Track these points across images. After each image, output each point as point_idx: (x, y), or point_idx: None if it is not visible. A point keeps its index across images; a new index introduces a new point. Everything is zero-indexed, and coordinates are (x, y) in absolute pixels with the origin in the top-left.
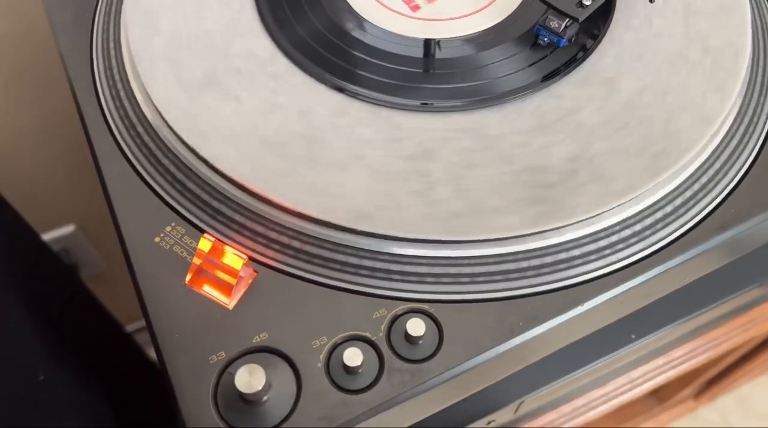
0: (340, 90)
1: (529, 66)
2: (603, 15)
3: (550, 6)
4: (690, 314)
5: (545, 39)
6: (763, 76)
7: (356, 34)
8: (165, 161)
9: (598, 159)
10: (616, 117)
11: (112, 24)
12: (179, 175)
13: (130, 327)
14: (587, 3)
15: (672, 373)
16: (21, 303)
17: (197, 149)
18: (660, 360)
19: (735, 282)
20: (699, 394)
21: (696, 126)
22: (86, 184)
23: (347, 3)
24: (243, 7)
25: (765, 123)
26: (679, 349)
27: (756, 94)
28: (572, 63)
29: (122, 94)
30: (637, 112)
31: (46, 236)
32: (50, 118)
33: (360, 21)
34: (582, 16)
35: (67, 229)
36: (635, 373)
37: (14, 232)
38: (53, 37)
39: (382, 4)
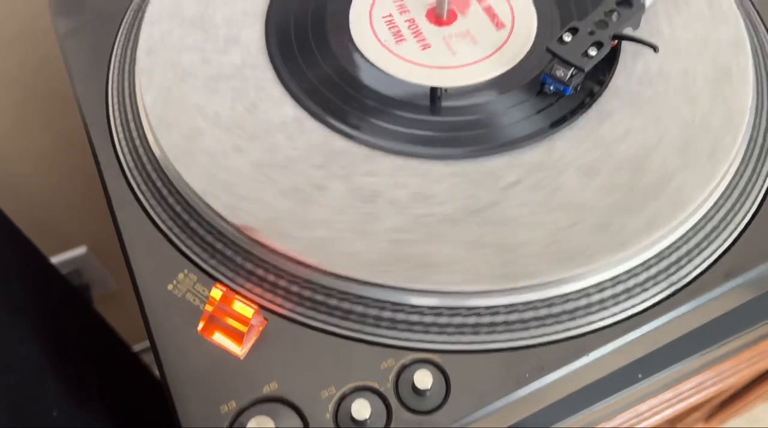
0: (352, 138)
1: (536, 113)
2: (608, 60)
3: (555, 56)
4: (698, 352)
5: (551, 87)
6: (767, 123)
7: (367, 81)
8: (178, 208)
9: (600, 209)
10: (619, 167)
11: (127, 69)
12: (192, 223)
13: (139, 347)
14: (592, 53)
15: (680, 406)
16: (29, 325)
17: (209, 200)
18: (668, 394)
19: (745, 319)
20: (710, 417)
21: (700, 174)
22: (98, 206)
23: (358, 49)
24: (252, 53)
25: None
26: (687, 383)
27: (760, 140)
28: (578, 111)
29: (137, 140)
30: (639, 162)
31: (59, 257)
32: (62, 141)
33: (371, 69)
34: (587, 66)
35: (80, 251)
36: (642, 407)
37: (23, 255)
38: (69, 79)
39: (392, 52)
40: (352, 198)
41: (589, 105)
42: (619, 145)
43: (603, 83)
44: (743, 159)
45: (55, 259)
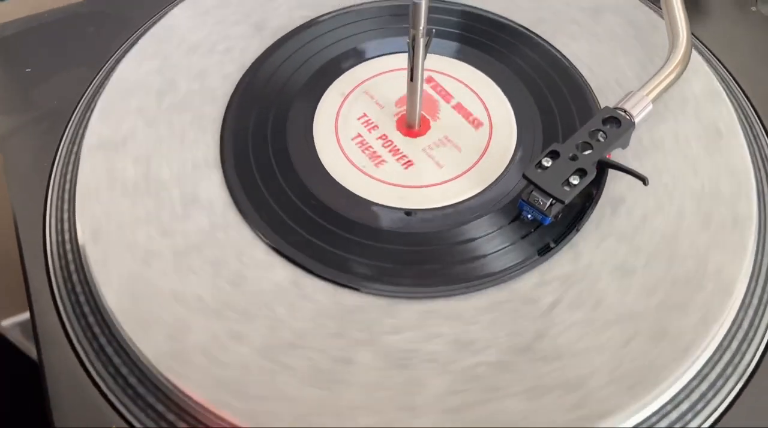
0: (298, 265)
1: (514, 243)
2: (594, 183)
3: (533, 184)
4: None
5: (528, 216)
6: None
7: (358, 218)
8: (108, 350)
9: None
10: (602, 328)
11: (67, 188)
12: (123, 370)
13: None
14: (574, 182)
15: None
16: None
17: (143, 349)
18: None
19: None
20: None
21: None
22: None
23: (323, 166)
24: (219, 211)
25: (764, 335)
26: None
27: (755, 301)
28: (560, 241)
29: (73, 272)
30: (622, 322)
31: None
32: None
33: (358, 202)
34: (568, 198)
35: None
36: None
37: None
38: (7, 185)
39: (373, 177)
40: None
41: (565, 244)
42: (642, 236)
43: (584, 213)
44: (736, 317)
45: (23, 316)
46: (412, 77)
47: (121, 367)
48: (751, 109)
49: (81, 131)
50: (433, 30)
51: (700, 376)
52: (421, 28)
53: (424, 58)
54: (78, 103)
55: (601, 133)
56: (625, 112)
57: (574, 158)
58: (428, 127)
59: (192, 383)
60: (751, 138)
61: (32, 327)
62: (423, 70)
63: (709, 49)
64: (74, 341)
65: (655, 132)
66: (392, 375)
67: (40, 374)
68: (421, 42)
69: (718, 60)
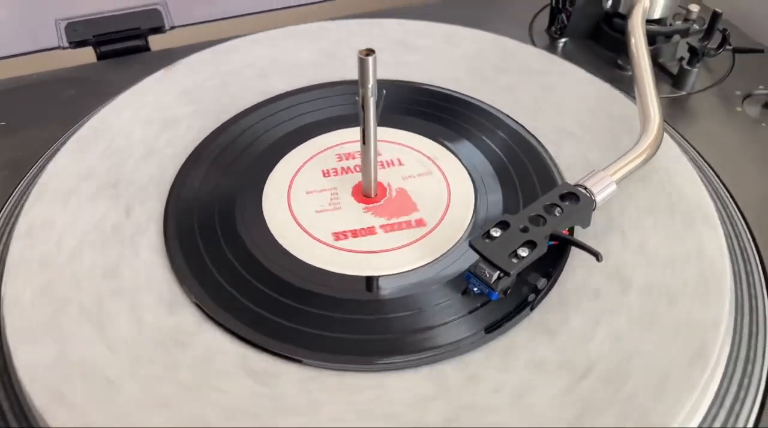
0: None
1: (466, 314)
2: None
3: (478, 253)
4: None
5: (475, 289)
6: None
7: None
8: None
9: None
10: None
11: None
12: None
13: None
14: (523, 254)
15: None
16: None
17: None
18: None
19: None
20: None
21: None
22: None
23: (270, 232)
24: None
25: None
26: None
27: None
28: (514, 316)
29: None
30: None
31: None
32: None
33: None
34: (514, 270)
35: None
36: None
37: None
38: None
39: (307, 232)
40: None
41: (517, 321)
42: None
43: (540, 292)
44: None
45: None
46: (364, 140)
47: None
48: (735, 207)
49: (24, 200)
50: (384, 91)
51: None
52: (369, 86)
53: (377, 118)
54: (35, 163)
55: (557, 208)
56: (585, 189)
57: (525, 230)
58: (384, 195)
59: None
60: (736, 251)
61: None
62: (375, 131)
63: (694, 148)
64: None
65: (634, 229)
66: None
67: None
68: (371, 101)
69: (703, 159)
